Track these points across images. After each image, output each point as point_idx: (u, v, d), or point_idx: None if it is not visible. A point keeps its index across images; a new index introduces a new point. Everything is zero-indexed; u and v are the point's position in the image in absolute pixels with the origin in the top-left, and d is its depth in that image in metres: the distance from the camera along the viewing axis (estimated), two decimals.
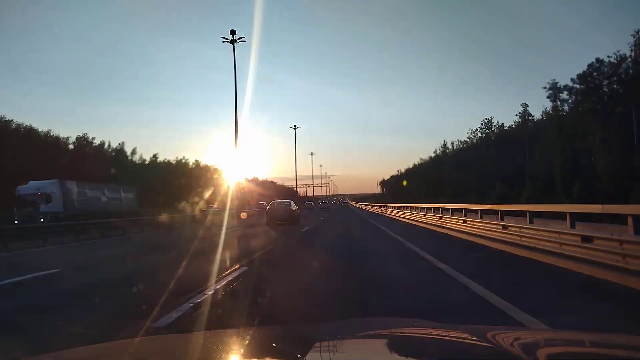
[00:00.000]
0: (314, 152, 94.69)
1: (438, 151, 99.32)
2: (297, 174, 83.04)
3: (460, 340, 1.71)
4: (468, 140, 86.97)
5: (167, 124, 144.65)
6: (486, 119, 78.18)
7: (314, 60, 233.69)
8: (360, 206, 77.30)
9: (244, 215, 27.02)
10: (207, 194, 44.06)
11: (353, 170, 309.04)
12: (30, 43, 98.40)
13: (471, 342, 1.66)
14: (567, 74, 76.28)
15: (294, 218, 24.16)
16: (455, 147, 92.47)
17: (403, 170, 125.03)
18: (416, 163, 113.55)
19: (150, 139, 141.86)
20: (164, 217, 25.22)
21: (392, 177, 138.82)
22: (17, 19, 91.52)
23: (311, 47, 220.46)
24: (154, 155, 67.22)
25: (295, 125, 65.26)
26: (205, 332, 3.45)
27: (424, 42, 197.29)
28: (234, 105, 30.88)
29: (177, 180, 54.13)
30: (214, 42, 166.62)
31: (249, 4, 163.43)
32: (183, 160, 72.15)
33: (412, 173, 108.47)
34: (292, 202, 27.15)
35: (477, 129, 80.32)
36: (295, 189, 53.20)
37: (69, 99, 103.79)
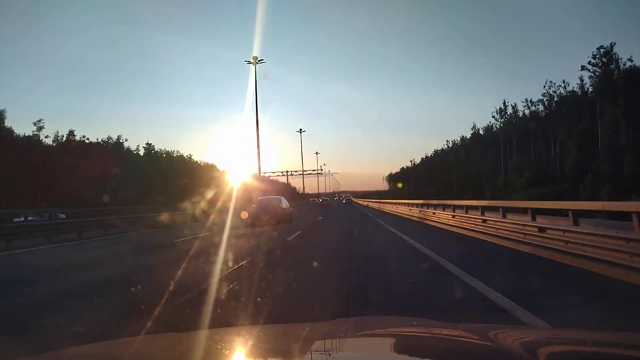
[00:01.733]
0: (303, 129, 70.63)
1: (479, 127, 72.91)
2: (299, 171, 74.38)
3: (461, 339, 1.71)
4: (546, 97, 53.51)
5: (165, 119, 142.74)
6: (601, 47, 45.11)
7: (314, 57, 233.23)
8: (365, 204, 57.68)
9: (244, 214, 21.44)
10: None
11: (355, 168, 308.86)
12: (30, 40, 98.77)
13: (472, 340, 1.66)
14: (568, 68, 70.55)
15: (286, 217, 20.21)
16: (519, 113, 61.29)
17: (418, 160, 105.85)
18: (438, 149, 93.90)
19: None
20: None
21: (404, 169, 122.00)
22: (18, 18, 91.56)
23: (312, 43, 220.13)
24: (82, 136, 52.79)
25: (257, 58, 36.34)
26: (206, 330, 3.45)
27: (425, 38, 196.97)
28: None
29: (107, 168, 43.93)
30: (215, 39, 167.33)
31: (252, 1, 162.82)
32: (119, 140, 56.84)
33: (432, 162, 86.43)
34: (283, 198, 22.31)
35: (588, 66, 45.94)
36: (258, 172, 41.69)
37: (65, 96, 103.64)
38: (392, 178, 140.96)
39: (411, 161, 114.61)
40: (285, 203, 21.44)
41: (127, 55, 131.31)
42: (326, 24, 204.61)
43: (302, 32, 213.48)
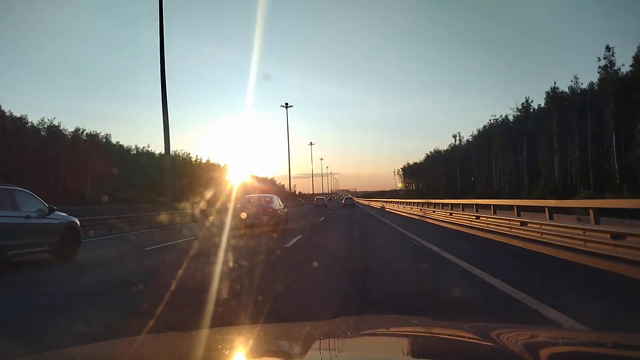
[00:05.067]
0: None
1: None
2: (297, 173, 76.25)
3: (462, 338, 1.71)
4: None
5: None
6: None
7: (315, 59, 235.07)
8: (379, 205, 41.38)
9: (243, 214, 20.25)
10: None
11: (354, 168, 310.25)
12: (31, 42, 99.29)
13: (472, 340, 1.66)
14: (565, 73, 69.31)
15: (279, 220, 16.86)
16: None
17: (464, 139, 79.86)
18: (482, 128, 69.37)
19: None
20: None
21: (429, 154, 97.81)
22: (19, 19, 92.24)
23: (312, 45, 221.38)
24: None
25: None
26: (206, 329, 3.45)
27: (426, 41, 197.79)
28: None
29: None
30: (216, 40, 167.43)
31: (252, 3, 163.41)
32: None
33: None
34: (275, 197, 18.68)
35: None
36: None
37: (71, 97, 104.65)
38: (407, 171, 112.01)
39: (457, 137, 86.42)
40: (278, 203, 17.98)
41: (127, 56, 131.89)
42: (327, 27, 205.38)
43: (303, 34, 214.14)
